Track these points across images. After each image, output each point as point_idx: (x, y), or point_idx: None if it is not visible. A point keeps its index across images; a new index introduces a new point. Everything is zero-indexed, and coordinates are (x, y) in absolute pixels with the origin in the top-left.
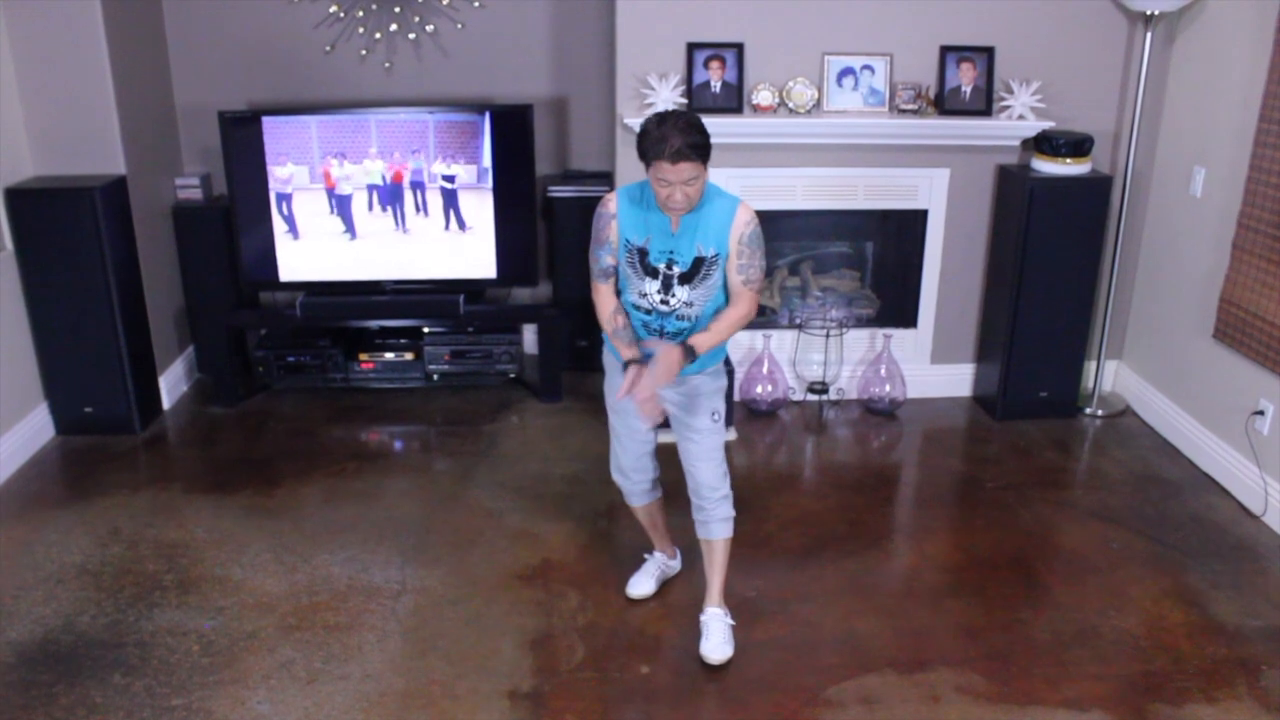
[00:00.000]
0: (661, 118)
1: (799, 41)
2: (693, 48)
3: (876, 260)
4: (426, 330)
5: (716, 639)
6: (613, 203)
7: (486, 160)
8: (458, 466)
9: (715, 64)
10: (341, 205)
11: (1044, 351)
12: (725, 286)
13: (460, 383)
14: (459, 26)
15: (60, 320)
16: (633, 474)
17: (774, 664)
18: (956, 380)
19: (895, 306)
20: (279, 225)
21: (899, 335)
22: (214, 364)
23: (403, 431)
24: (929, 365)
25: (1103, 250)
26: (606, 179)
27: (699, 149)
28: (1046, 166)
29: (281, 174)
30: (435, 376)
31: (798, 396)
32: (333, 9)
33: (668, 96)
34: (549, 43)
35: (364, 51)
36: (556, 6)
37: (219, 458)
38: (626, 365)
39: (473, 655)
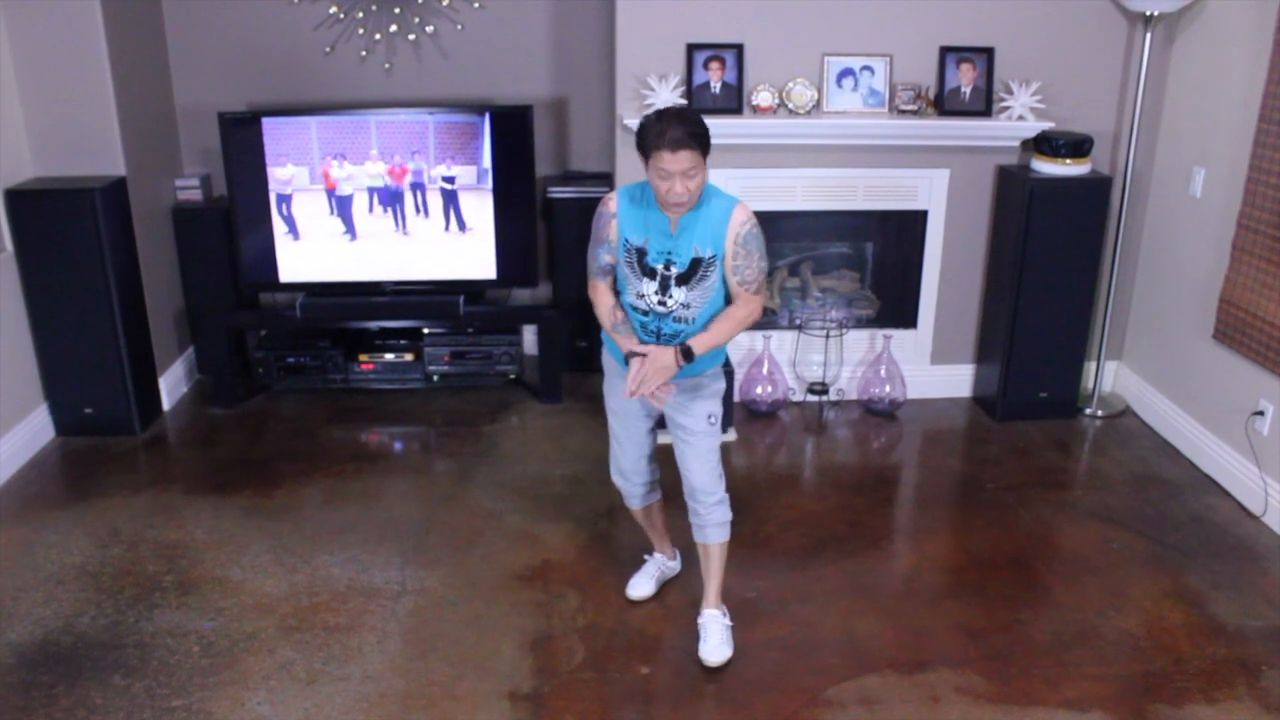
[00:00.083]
0: (660, 112)
1: (799, 42)
2: (692, 48)
3: (876, 261)
4: (426, 331)
5: (714, 640)
6: (613, 202)
7: (486, 161)
8: (458, 467)
9: (715, 65)
10: (342, 206)
11: (1044, 352)
12: (725, 289)
13: (460, 384)
14: (459, 27)
15: (60, 321)
16: (632, 476)
17: (774, 665)
18: (956, 381)
19: (895, 307)
20: (279, 226)
21: (899, 336)
22: (214, 365)
23: (403, 432)
24: (929, 366)
25: (1102, 251)
26: (606, 180)
27: (698, 137)
28: (1046, 167)
29: (281, 175)
30: (435, 377)
31: (798, 397)
32: (333, 10)
33: (667, 97)
34: (549, 44)
35: (364, 52)
36: (556, 7)
37: (219, 459)
38: (628, 360)
39: (473, 656)
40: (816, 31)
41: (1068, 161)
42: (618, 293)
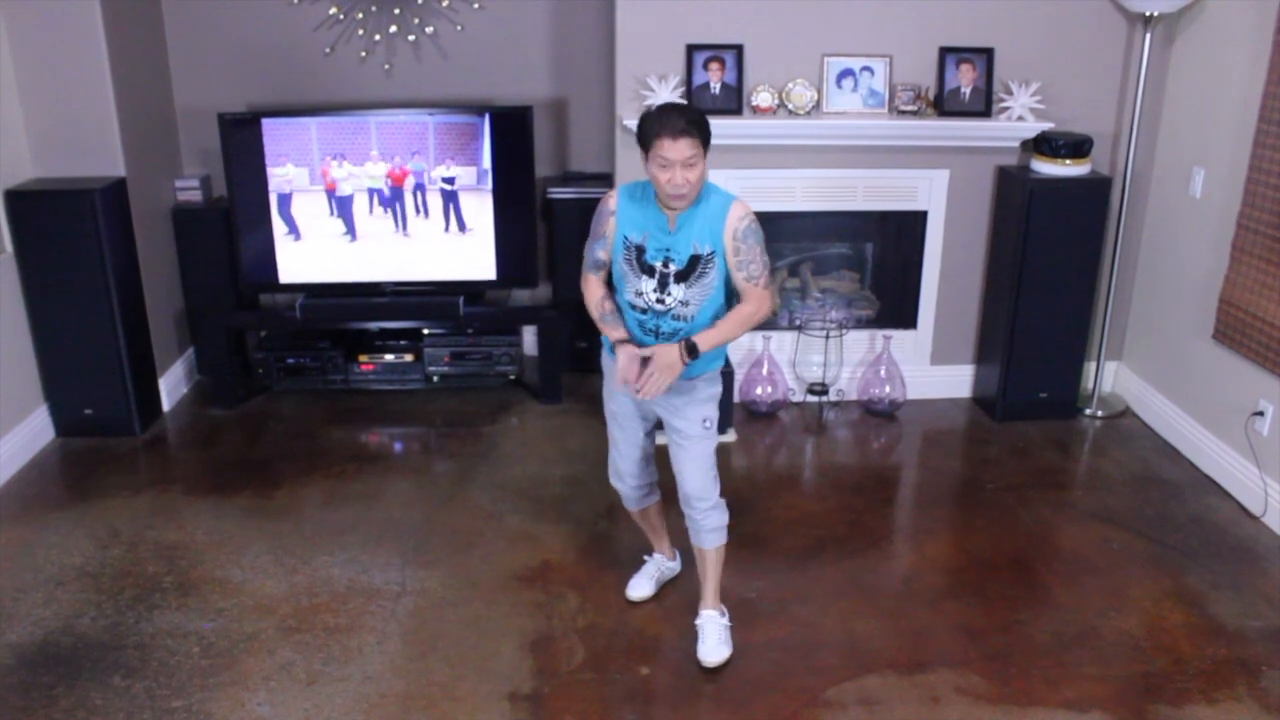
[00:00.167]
0: (660, 106)
1: (798, 43)
2: (692, 49)
3: (876, 261)
4: (426, 332)
5: (712, 641)
6: (613, 199)
7: (486, 162)
8: (457, 468)
9: (715, 65)
10: (342, 206)
11: (1044, 352)
12: (725, 288)
13: (460, 384)
14: (458, 28)
15: (60, 322)
16: (629, 479)
17: (773, 665)
18: (956, 381)
19: (895, 308)
20: (279, 227)
21: (899, 336)
22: (214, 366)
23: (402, 433)
24: (929, 366)
25: (1102, 251)
26: (606, 180)
27: (698, 125)
28: (1046, 168)
29: (281, 175)
30: (435, 378)
31: (797, 398)
32: (332, 11)
33: (667, 98)
34: (548, 44)
35: (363, 53)
36: (556, 8)
37: (219, 459)
38: (614, 349)
39: (473, 657)
40: (816, 32)
41: (1067, 162)
42: (613, 289)
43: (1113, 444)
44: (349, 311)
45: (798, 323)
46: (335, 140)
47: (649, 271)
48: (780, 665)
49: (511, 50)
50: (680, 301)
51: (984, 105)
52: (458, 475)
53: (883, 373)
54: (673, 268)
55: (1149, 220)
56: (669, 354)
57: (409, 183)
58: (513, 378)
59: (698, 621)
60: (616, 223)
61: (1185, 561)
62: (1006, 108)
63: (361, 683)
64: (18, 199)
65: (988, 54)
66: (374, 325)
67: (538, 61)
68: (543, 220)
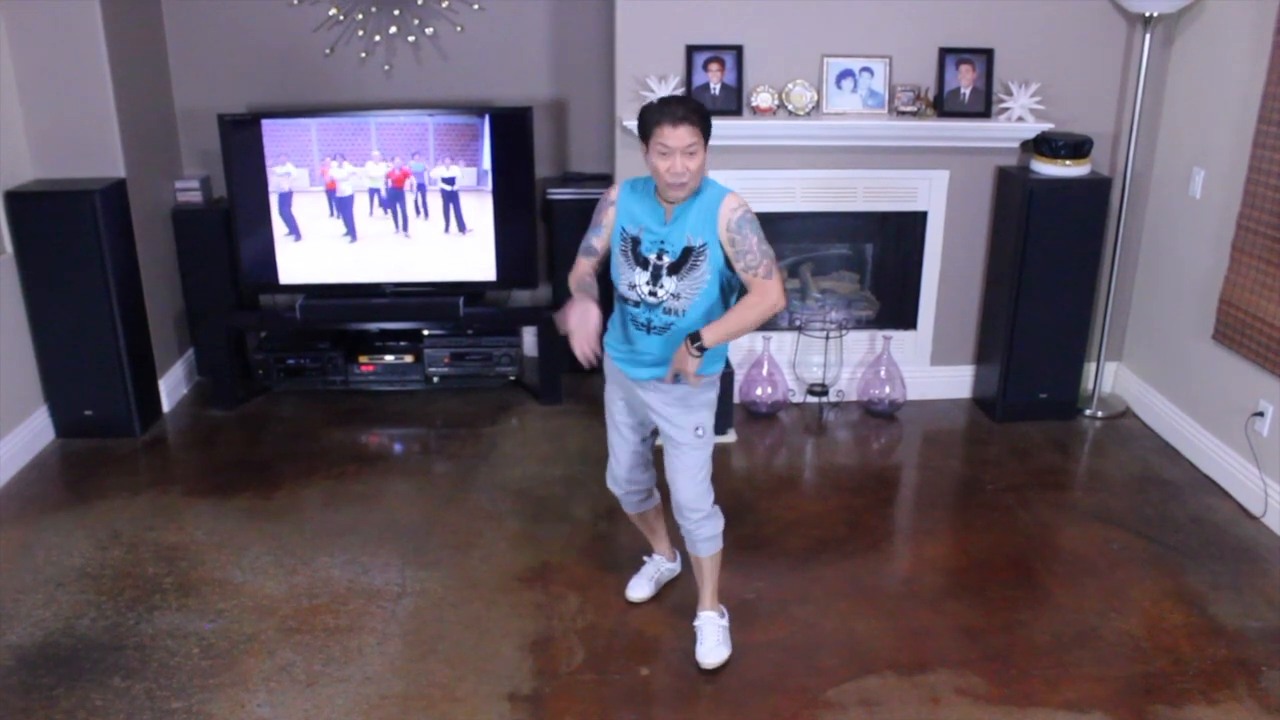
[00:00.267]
0: (661, 98)
1: (798, 43)
2: (692, 50)
3: (876, 262)
4: (426, 333)
5: (710, 643)
6: (615, 190)
7: (486, 163)
8: (457, 469)
9: (714, 66)
10: (343, 207)
11: (1044, 353)
12: (718, 285)
13: (460, 385)
14: (458, 29)
15: (60, 323)
16: (624, 484)
17: (773, 666)
18: (956, 382)
19: (895, 308)
20: (279, 227)
21: (898, 337)
22: (214, 367)
23: (402, 434)
24: (929, 367)
25: (1102, 252)
26: (606, 181)
27: (699, 114)
28: (1046, 168)
29: (281, 176)
30: (435, 379)
31: (797, 398)
32: (332, 12)
33: None
34: (548, 45)
35: (363, 54)
36: (555, 9)
37: (219, 460)
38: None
39: (473, 657)
40: (816, 33)
41: (1067, 162)
42: (606, 282)
43: (1113, 444)
44: (349, 312)
45: (798, 323)
46: (335, 141)
47: (643, 264)
48: (780, 666)
49: (511, 51)
50: (671, 294)
51: (984, 106)
52: (458, 476)
53: (883, 373)
54: (666, 259)
55: (1149, 221)
56: (678, 354)
57: (409, 183)
58: (513, 378)
59: (696, 623)
60: (616, 213)
61: (1185, 562)
62: (1006, 108)
63: (361, 683)
64: (18, 200)
65: (987, 55)
66: (374, 326)
67: (537, 62)
68: (543, 221)
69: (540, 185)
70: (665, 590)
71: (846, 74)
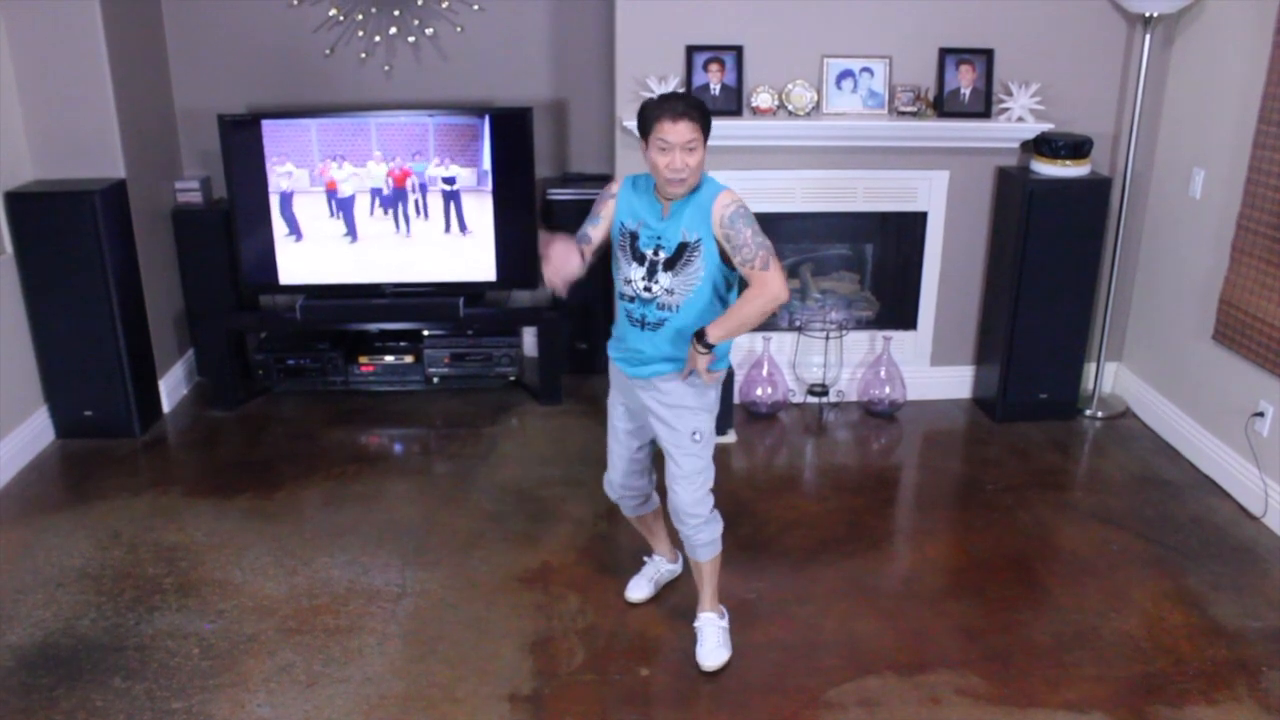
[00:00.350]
0: (660, 95)
1: (798, 44)
2: (692, 50)
3: (876, 262)
4: (426, 333)
5: (710, 644)
6: (617, 184)
7: (486, 163)
8: (457, 469)
9: (714, 66)
10: (344, 207)
11: (1044, 353)
12: (712, 284)
13: (460, 385)
14: (458, 30)
15: (60, 324)
16: (620, 489)
17: (773, 666)
18: (956, 382)
19: (895, 309)
20: (280, 228)
21: (899, 337)
22: (214, 367)
23: (402, 434)
24: (929, 367)
25: (1102, 252)
26: (606, 181)
27: (699, 110)
28: (1046, 168)
29: (282, 176)
30: (435, 379)
31: (797, 399)
32: (332, 12)
33: None
34: (548, 46)
35: (363, 55)
36: (555, 9)
37: (219, 461)
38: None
39: (473, 658)
40: (816, 33)
41: (1067, 163)
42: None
43: (1113, 445)
44: (349, 313)
45: (798, 324)
46: (335, 141)
47: (640, 259)
48: (780, 666)
49: (511, 51)
50: (666, 290)
51: (984, 106)
52: (458, 476)
53: (883, 374)
54: (662, 255)
55: (1149, 221)
56: (689, 354)
57: (410, 183)
58: (513, 379)
59: (696, 624)
60: (616, 208)
61: (1185, 562)
62: (1006, 109)
63: (361, 684)
64: (18, 200)
65: (987, 55)
66: (374, 326)
67: (537, 63)
68: (543, 221)
69: (540, 185)
70: (665, 591)
71: (846, 74)
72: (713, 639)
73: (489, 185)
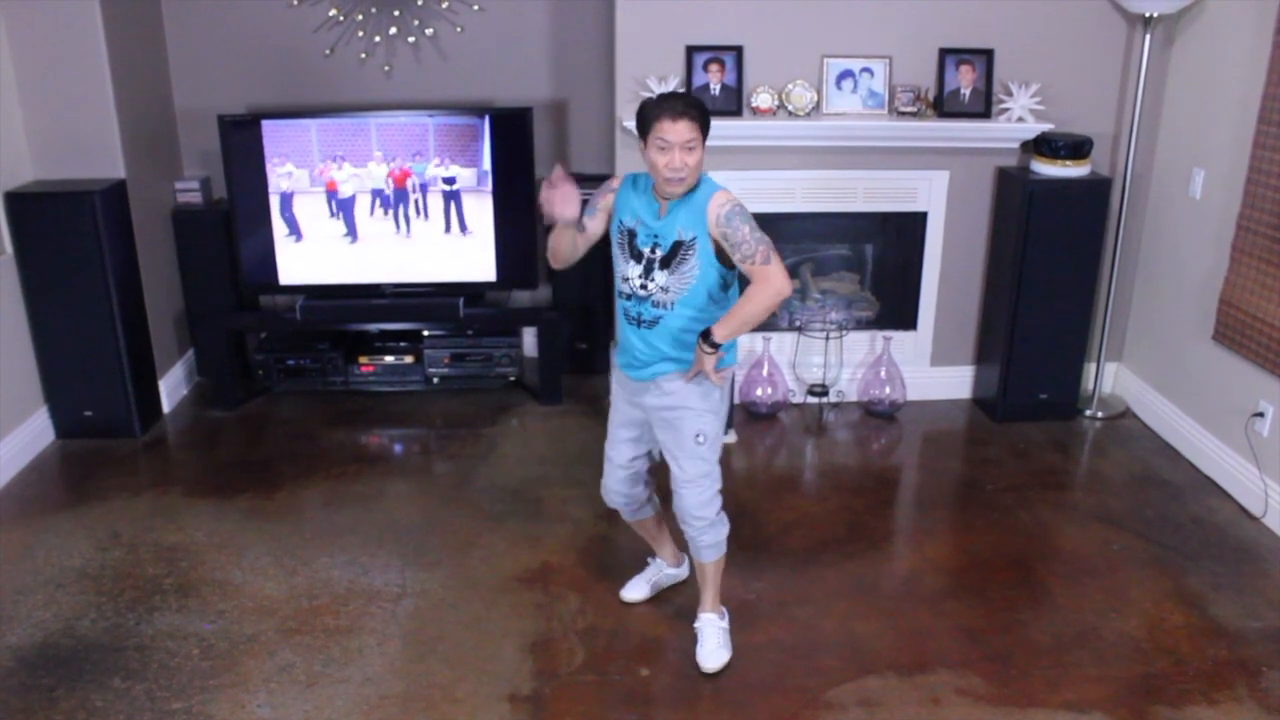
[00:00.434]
0: (660, 94)
1: (798, 44)
2: (692, 50)
3: (876, 262)
4: (426, 333)
5: (711, 645)
6: (617, 181)
7: (486, 163)
8: (458, 469)
9: (714, 67)
10: (344, 208)
11: (1044, 353)
12: (706, 281)
13: (460, 386)
14: (458, 30)
15: (60, 324)
16: (615, 496)
17: (774, 666)
18: (956, 382)
19: (895, 309)
20: (280, 228)
21: (899, 337)
22: (214, 367)
23: (402, 434)
24: (929, 367)
25: (1102, 252)
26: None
27: (698, 110)
28: (1046, 169)
29: (282, 177)
30: (435, 379)
31: (797, 399)
32: (332, 12)
33: None
34: (548, 46)
35: (363, 55)
36: (555, 9)
37: (219, 461)
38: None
39: (473, 658)
40: (816, 33)
41: (1067, 163)
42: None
43: (1113, 445)
44: (349, 313)
45: (797, 324)
46: (335, 142)
47: (637, 257)
48: (780, 666)
49: (511, 52)
50: (661, 288)
51: (984, 106)
52: (458, 477)
53: (883, 374)
54: (658, 253)
55: (1149, 221)
56: (696, 355)
57: (411, 183)
58: (513, 379)
59: (697, 625)
60: (615, 204)
61: (1186, 563)
62: (1006, 109)
63: (361, 684)
64: (18, 201)
65: (987, 55)
66: (374, 327)
67: (537, 63)
68: (542, 222)
69: (540, 185)
70: (666, 592)
71: (846, 74)
72: (713, 640)
73: (489, 185)
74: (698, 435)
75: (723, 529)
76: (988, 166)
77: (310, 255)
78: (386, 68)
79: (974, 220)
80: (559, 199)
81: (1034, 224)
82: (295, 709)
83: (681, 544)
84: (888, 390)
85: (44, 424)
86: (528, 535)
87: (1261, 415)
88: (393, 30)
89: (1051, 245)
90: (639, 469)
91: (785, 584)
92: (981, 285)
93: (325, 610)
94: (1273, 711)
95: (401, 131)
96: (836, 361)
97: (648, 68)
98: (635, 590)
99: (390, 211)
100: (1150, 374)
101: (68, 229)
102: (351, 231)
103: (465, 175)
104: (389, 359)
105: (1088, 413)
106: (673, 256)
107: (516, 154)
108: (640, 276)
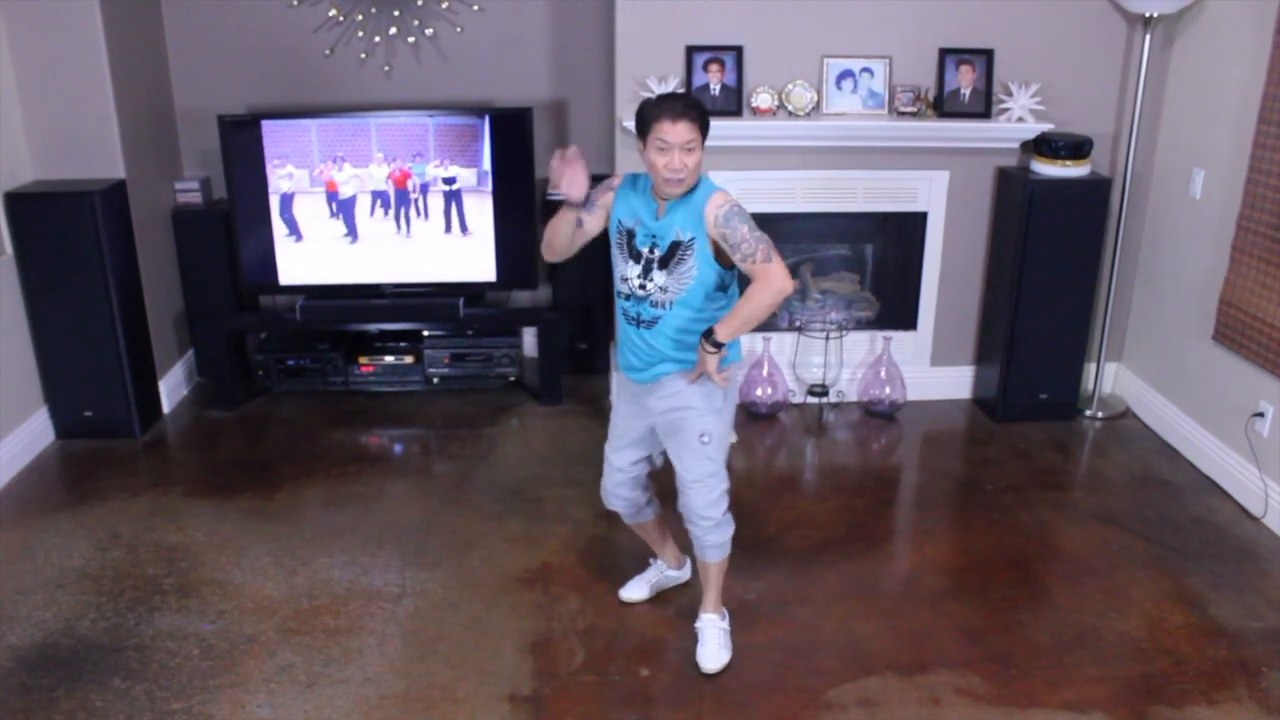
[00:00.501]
0: (659, 95)
1: (798, 44)
2: (692, 50)
3: (876, 262)
4: (426, 333)
5: (711, 646)
6: (617, 179)
7: (486, 163)
8: (457, 469)
9: (714, 67)
10: (344, 208)
11: (1044, 354)
12: (703, 282)
13: (460, 386)
14: (458, 30)
15: (60, 324)
16: (613, 500)
17: (774, 666)
18: (956, 382)
19: (895, 309)
20: (280, 228)
21: (899, 337)
22: (214, 367)
23: (402, 435)
24: (929, 367)
25: (1102, 252)
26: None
27: (698, 111)
28: (1046, 169)
29: (282, 177)
30: (435, 380)
31: (798, 399)
32: (332, 13)
33: None
34: (548, 46)
35: (363, 55)
36: (555, 9)
37: (219, 461)
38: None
39: (473, 658)
40: (816, 33)
41: (1067, 163)
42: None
43: (1113, 445)
44: (349, 313)
45: (798, 324)
46: (335, 142)
47: (636, 257)
48: (780, 666)
49: (511, 52)
50: (659, 288)
51: (984, 106)
52: (458, 477)
53: (883, 374)
54: (657, 254)
55: (1149, 221)
56: (699, 355)
57: (412, 184)
58: (513, 379)
59: (697, 625)
60: (614, 203)
61: (1186, 563)
62: (1006, 109)
63: (361, 684)
64: (18, 201)
65: (987, 55)
66: (374, 327)
67: (537, 63)
68: (542, 222)
69: (540, 186)
70: (666, 592)
71: (846, 74)
72: (714, 640)
73: (489, 185)
74: (702, 435)
75: (729, 529)
76: (988, 166)
77: (310, 255)
78: (386, 68)
79: (974, 220)
80: (568, 177)
81: (1034, 224)
82: (295, 709)
83: (683, 545)
84: (888, 390)
85: (44, 424)
86: (528, 535)
87: (1261, 415)
88: (393, 30)
89: (1051, 245)
90: (639, 473)
91: (785, 584)
92: (981, 285)
93: (325, 610)
94: (1273, 711)
95: (401, 132)
96: (836, 361)
97: (648, 68)
98: (635, 590)
99: (390, 212)
100: (1150, 374)
101: (68, 229)
102: (351, 232)
103: (465, 175)
104: (389, 359)
105: (1088, 413)
106: (670, 257)
107: (516, 154)
108: (639, 276)
